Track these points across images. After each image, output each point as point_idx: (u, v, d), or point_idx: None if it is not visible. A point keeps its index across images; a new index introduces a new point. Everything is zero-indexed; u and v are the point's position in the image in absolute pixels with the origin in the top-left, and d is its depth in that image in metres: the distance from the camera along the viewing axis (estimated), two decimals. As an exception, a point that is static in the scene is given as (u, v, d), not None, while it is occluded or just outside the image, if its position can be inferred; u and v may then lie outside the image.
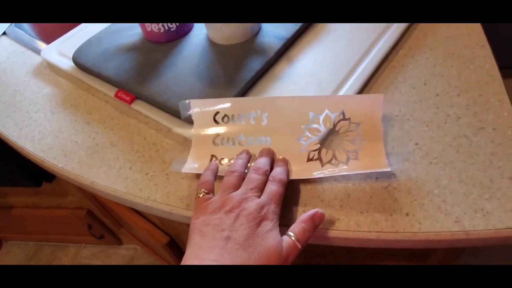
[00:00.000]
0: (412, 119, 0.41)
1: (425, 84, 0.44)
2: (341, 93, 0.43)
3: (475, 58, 0.45)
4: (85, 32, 0.60)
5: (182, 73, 0.48)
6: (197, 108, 0.41)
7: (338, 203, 0.35)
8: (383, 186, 0.36)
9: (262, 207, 0.32)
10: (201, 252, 0.30)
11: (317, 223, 0.32)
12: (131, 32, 0.56)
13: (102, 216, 1.12)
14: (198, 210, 0.33)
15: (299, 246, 0.31)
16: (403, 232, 0.32)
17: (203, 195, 0.34)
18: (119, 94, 0.48)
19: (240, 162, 0.37)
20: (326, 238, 0.34)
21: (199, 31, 0.54)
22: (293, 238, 0.31)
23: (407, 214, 0.33)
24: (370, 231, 0.33)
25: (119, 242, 1.30)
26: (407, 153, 0.38)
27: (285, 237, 0.31)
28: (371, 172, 0.36)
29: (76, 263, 1.32)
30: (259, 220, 0.31)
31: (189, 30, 0.54)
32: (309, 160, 0.38)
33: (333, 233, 0.34)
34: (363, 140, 0.38)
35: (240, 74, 0.46)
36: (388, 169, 0.35)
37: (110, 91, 0.50)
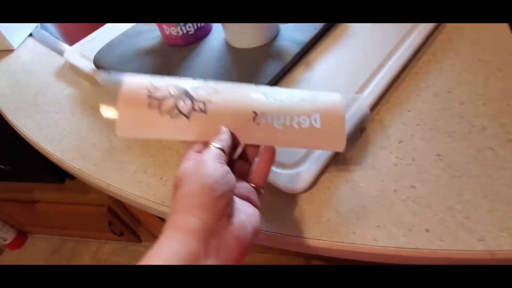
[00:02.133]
0: (434, 129, 0.39)
1: (449, 92, 0.42)
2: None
3: (503, 65, 0.43)
4: (107, 34, 0.61)
5: (198, 77, 0.47)
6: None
7: (354, 215, 0.34)
8: (401, 198, 0.34)
9: None
10: None
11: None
12: (150, 35, 0.56)
13: (122, 213, 1.14)
14: None
15: None
16: (422, 249, 0.31)
17: None
18: (136, 97, 0.49)
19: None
20: (341, 251, 0.33)
21: (217, 35, 0.54)
22: None
23: (427, 230, 0.32)
24: (387, 247, 0.32)
25: (138, 239, 1.33)
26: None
27: None
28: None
29: (96, 259, 1.35)
30: None
31: (207, 33, 0.54)
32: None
33: (348, 246, 0.33)
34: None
35: (256, 79, 0.45)
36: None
37: (128, 94, 0.50)
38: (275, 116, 0.33)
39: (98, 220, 1.17)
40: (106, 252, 1.37)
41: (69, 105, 0.52)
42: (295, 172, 0.37)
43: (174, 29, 0.51)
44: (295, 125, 0.32)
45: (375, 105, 0.42)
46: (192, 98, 0.33)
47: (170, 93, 0.33)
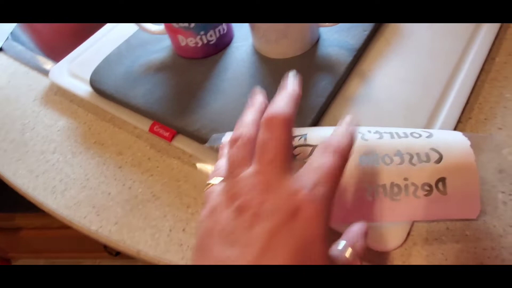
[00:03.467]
0: (538, 152, 0.32)
1: (542, 102, 0.35)
2: (440, 118, 0.35)
3: None
4: (98, 46, 0.50)
5: (232, 100, 0.38)
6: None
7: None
8: (527, 251, 0.27)
9: (297, 190, 0.20)
10: None
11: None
12: (157, 46, 0.46)
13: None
14: (204, 206, 0.23)
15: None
16: None
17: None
18: (155, 129, 0.39)
19: (249, 118, 0.25)
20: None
21: (241, 42, 0.44)
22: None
23: None
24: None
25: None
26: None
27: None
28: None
29: (92, 281, 1.25)
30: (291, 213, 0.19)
31: (229, 42, 0.44)
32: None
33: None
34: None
35: (307, 100, 0.37)
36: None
37: (142, 123, 0.41)
38: (390, 187, 0.27)
39: (92, 243, 1.07)
40: (101, 272, 1.26)
41: (66, 141, 0.42)
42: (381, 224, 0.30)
43: (192, 40, 0.41)
44: (416, 196, 0.26)
45: (457, 124, 0.35)
46: None
47: None
